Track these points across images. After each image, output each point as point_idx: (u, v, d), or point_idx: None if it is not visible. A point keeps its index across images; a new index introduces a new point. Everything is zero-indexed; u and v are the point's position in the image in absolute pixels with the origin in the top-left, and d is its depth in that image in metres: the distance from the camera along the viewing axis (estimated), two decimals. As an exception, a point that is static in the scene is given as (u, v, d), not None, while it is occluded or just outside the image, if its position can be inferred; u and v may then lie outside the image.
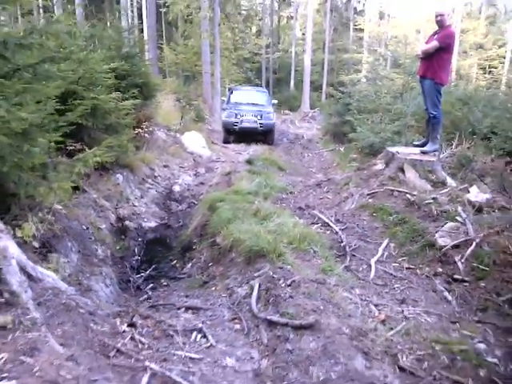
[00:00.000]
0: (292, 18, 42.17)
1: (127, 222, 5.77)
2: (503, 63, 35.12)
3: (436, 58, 5.60)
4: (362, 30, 39.65)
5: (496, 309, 3.30)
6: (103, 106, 5.73)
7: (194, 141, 10.39)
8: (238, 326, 2.95)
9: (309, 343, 2.54)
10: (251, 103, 14.11)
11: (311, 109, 29.43)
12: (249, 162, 8.09)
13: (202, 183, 7.54)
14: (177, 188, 7.20)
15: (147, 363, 2.38)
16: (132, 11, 26.20)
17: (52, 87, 3.09)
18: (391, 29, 37.47)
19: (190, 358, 2.53)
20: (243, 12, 36.52)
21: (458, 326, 3.01)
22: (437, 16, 5.69)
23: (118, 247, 5.27)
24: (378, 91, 10.74)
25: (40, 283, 2.72)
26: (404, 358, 2.50)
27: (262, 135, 13.47)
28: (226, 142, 13.52)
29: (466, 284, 3.68)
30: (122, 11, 17.82)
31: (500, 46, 36.69)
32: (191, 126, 11.86)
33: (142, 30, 24.51)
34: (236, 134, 13.38)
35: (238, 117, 13.09)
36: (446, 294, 3.60)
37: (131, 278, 4.69)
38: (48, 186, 3.07)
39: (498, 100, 10.76)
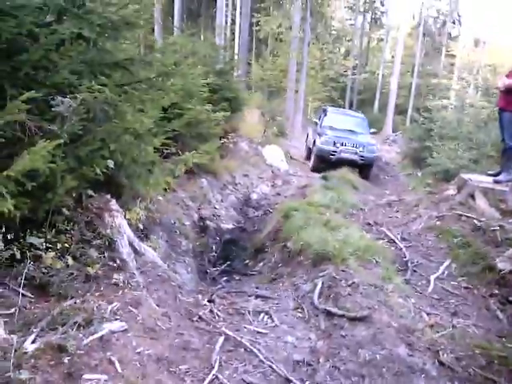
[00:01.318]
0: (382, 40, 42.10)
1: (208, 222, 6.39)
2: None
3: (516, 93, 5.75)
4: (454, 56, 38.76)
5: (545, 331, 3.49)
6: (197, 117, 6.43)
7: (274, 154, 10.99)
8: (299, 314, 3.39)
9: (360, 332, 2.94)
10: (349, 130, 12.49)
11: (393, 132, 29.25)
12: (324, 177, 8.51)
13: (278, 194, 8.07)
14: (254, 196, 7.78)
15: (223, 329, 2.89)
16: (226, 28, 27.52)
17: (166, 98, 3.74)
18: (486, 56, 36.29)
19: (258, 332, 3.02)
20: (333, 32, 37.08)
21: (503, 340, 3.24)
22: None
23: (198, 243, 5.87)
24: (461, 119, 10.76)
25: (142, 256, 3.34)
26: (444, 355, 2.81)
27: (360, 168, 11.77)
28: (314, 170, 11.73)
29: (519, 306, 3.88)
30: (218, 30, 18.99)
31: None
32: (272, 140, 12.47)
33: (233, 45, 25.87)
34: (330, 164, 11.31)
35: (337, 145, 11.61)
36: (498, 312, 3.81)
37: (208, 270, 5.28)
38: (155, 179, 3.70)
39: None
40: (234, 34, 28.06)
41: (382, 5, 40.17)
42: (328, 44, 28.71)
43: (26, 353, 1.98)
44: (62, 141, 2.57)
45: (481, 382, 2.59)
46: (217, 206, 6.81)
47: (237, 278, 5.06)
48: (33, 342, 2.10)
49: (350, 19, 40.93)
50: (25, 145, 2.69)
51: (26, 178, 2.51)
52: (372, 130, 13.76)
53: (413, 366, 2.61)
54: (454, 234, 5.28)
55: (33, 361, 1.96)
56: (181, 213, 5.80)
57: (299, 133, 21.50)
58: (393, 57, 41.26)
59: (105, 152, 3.15)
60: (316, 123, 13.59)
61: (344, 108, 25.95)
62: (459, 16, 41.98)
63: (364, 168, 11.81)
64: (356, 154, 11.58)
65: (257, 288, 4.11)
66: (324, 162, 11.66)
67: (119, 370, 2.12)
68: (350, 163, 11.37)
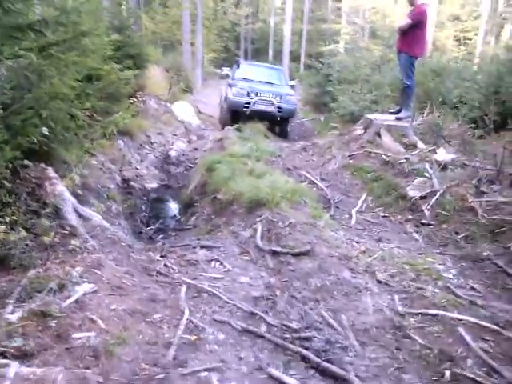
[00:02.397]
0: (271, -15, 42.02)
1: (132, 183, 6.37)
2: (477, 35, 35.97)
3: (410, 34, 6.26)
4: (340, 1, 39.84)
5: (454, 244, 4.07)
6: (108, 76, 6.22)
7: (184, 110, 10.93)
8: (247, 258, 3.63)
9: (307, 264, 3.25)
10: (265, 81, 11.13)
11: (290, 79, 29.93)
12: (238, 129, 8.68)
13: (195, 149, 8.15)
14: (173, 153, 7.80)
15: (183, 278, 3.06)
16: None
17: (89, 60, 3.64)
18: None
19: (214, 278, 3.21)
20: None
21: (423, 256, 3.74)
22: None
23: (126, 205, 5.86)
24: (358, 63, 11.37)
25: (89, 221, 3.35)
26: (380, 274, 3.23)
27: (278, 123, 10.68)
28: (224, 125, 10.47)
29: (431, 227, 4.45)
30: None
31: (475, 18, 37.46)
32: (180, 96, 12.33)
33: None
34: (244, 118, 10.08)
35: (252, 96, 10.20)
36: (414, 234, 4.35)
37: (143, 230, 5.32)
38: (88, 143, 3.66)
39: (468, 72, 11.49)
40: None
41: None
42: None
43: (11, 323, 2.02)
44: (1, 112, 2.50)
45: (414, 292, 3.02)
46: (138, 167, 6.77)
47: (173, 234, 5.16)
48: (11, 312, 2.13)
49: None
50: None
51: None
52: (291, 83, 12.44)
53: (358, 286, 2.98)
54: (366, 170, 5.79)
55: (20, 329, 2.01)
56: (104, 176, 5.72)
57: (200, 86, 21.34)
58: (282, 3, 41.59)
59: (36, 120, 3.07)
60: (227, 76, 12.48)
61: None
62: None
63: (282, 122, 10.71)
64: (273, 105, 10.22)
65: (198, 240, 4.27)
66: (237, 117, 10.33)
67: (102, 326, 2.23)
68: (267, 116, 10.19)
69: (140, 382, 1.98)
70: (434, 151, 5.90)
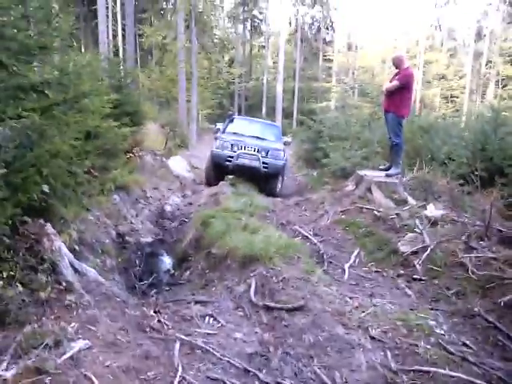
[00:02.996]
0: (264, 47, 43.70)
1: (127, 238, 6.40)
2: (463, 93, 37.33)
3: (397, 95, 6.56)
4: (330, 61, 41.41)
5: (446, 300, 4.10)
6: (105, 134, 6.41)
7: (179, 165, 11.13)
8: (241, 313, 3.65)
9: (300, 319, 3.28)
10: (256, 136, 10.50)
11: (283, 135, 30.52)
12: (232, 184, 8.83)
13: (190, 203, 8.25)
14: (168, 208, 7.89)
15: (177, 335, 3.07)
16: (108, 38, 26.81)
17: (89, 119, 3.80)
18: (359, 59, 39.23)
19: (208, 334, 3.23)
20: (216, 41, 37.82)
21: (415, 312, 3.77)
22: (394, 60, 6.72)
23: (120, 259, 5.87)
24: (348, 120, 11.74)
25: (85, 276, 3.39)
26: (373, 331, 3.25)
27: (264, 180, 9.80)
28: (209, 183, 10.03)
29: (422, 282, 4.49)
30: (101, 43, 18.46)
31: (461, 77, 38.99)
32: (175, 151, 12.57)
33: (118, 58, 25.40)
34: (227, 173, 9.74)
35: (235, 149, 9.60)
36: (406, 290, 4.39)
37: (136, 285, 5.32)
38: (86, 200, 3.75)
39: (456, 129, 11.87)
40: (115, 46, 27.53)
41: (260, 13, 41.65)
42: (214, 53, 29.22)
43: (5, 380, 2.03)
44: (4, 170, 2.60)
45: (407, 348, 3.04)
46: (133, 221, 6.83)
47: (166, 288, 5.16)
48: (6, 369, 2.14)
49: (232, 28, 41.96)
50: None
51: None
52: (286, 139, 11.87)
53: (351, 342, 3.00)
54: (358, 225, 5.89)
55: (15, 386, 2.02)
56: (100, 231, 5.76)
57: (195, 142, 21.74)
58: (274, 63, 43.18)
59: (37, 177, 3.17)
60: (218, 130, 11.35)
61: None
62: (332, 22, 45.08)
63: (269, 179, 9.84)
64: (258, 160, 9.52)
65: (193, 295, 4.30)
66: (220, 172, 9.85)
67: (96, 383, 2.23)
68: (252, 171, 9.55)
69: None
70: (424, 207, 6.02)
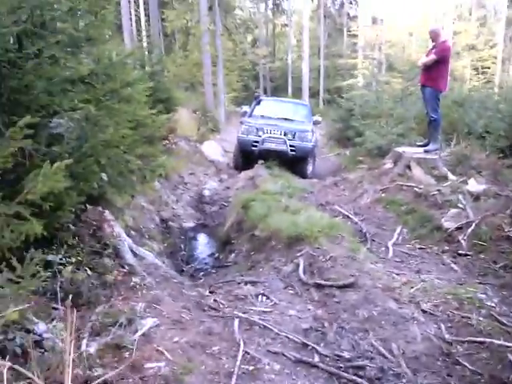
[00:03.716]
0: (286, 25, 43.19)
1: (170, 223, 6.60)
2: (495, 63, 36.21)
3: (434, 69, 6.48)
4: (355, 36, 40.62)
5: (493, 273, 4.12)
6: (144, 121, 6.56)
7: (213, 150, 11.26)
8: (291, 291, 3.76)
9: (352, 296, 3.37)
10: (283, 118, 10.17)
11: (312, 115, 30.31)
12: (267, 167, 8.91)
13: (227, 187, 8.39)
14: (206, 192, 8.05)
15: (234, 312, 3.21)
16: (131, 24, 26.86)
17: (137, 108, 3.95)
18: (385, 33, 38.38)
19: (263, 311, 3.35)
20: (239, 21, 37.55)
21: (464, 286, 3.81)
22: (430, 33, 6.62)
23: (165, 244, 6.07)
24: (380, 97, 11.62)
25: (144, 260, 3.55)
26: (424, 304, 3.32)
27: (294, 163, 9.54)
28: (237, 167, 10.07)
29: (468, 257, 4.51)
30: (126, 29, 18.61)
31: (491, 47, 37.79)
32: (207, 136, 12.71)
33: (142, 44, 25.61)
34: (255, 159, 9.41)
35: (260, 133, 9.38)
36: (452, 265, 4.42)
37: (184, 268, 5.50)
38: (139, 187, 3.91)
39: (490, 101, 11.62)
40: (139, 31, 27.71)
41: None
42: (238, 34, 29.11)
43: (90, 354, 2.20)
44: (71, 160, 2.74)
45: (459, 321, 3.10)
46: (174, 207, 7.02)
47: (213, 271, 5.32)
48: (87, 345, 2.31)
49: (254, 7, 41.59)
50: (28, 168, 2.83)
51: (42, 199, 2.66)
52: (316, 118, 11.25)
53: (404, 316, 3.08)
54: (399, 203, 5.91)
55: (98, 360, 2.18)
56: (145, 217, 5.96)
57: (224, 125, 21.84)
58: (298, 41, 42.68)
59: (95, 167, 3.32)
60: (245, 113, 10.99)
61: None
62: (355, -4, 44.09)
63: (298, 162, 9.60)
64: (285, 143, 9.31)
65: (241, 276, 4.42)
66: (247, 157, 9.71)
67: (169, 357, 2.39)
68: (279, 155, 9.34)
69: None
70: (465, 182, 5.99)
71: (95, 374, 2.05)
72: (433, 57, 6.45)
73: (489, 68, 37.40)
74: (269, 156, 9.33)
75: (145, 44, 24.57)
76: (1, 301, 2.06)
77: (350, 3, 44.45)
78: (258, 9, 40.11)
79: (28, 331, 2.17)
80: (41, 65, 3.24)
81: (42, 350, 2.16)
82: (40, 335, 2.25)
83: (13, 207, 2.57)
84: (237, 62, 29.03)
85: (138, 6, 29.54)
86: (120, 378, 2.13)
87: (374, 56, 36.02)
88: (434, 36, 6.59)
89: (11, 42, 3.32)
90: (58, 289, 2.59)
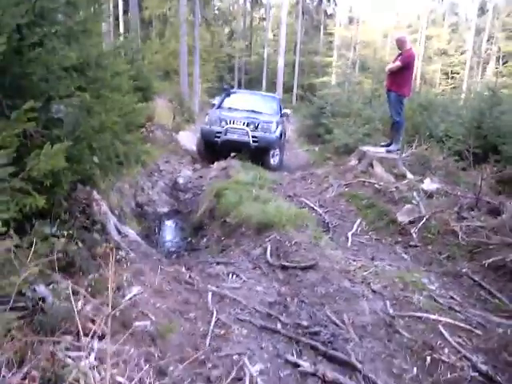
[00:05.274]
0: (264, 19, 43.46)
1: (145, 208, 6.93)
2: (464, 69, 37.45)
3: (399, 75, 6.99)
4: (332, 34, 41.23)
5: (438, 263, 4.66)
6: (129, 109, 6.85)
7: (188, 139, 11.57)
8: (259, 271, 4.19)
9: (312, 276, 3.83)
10: (250, 110, 10.31)
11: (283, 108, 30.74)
12: (240, 158, 9.28)
13: (201, 176, 8.73)
14: (180, 180, 8.38)
15: (208, 287, 3.62)
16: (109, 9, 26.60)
17: (127, 97, 4.30)
18: (360, 34, 39.11)
19: (233, 287, 3.77)
20: (216, 12, 37.63)
21: (411, 272, 4.31)
22: (397, 41, 7.13)
23: (140, 227, 6.40)
24: (350, 97, 12.16)
25: (126, 237, 3.91)
26: (374, 285, 3.80)
27: (258, 154, 9.46)
28: (201, 157, 10.22)
29: (418, 248, 5.04)
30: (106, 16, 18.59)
31: (462, 53, 39.02)
32: (182, 126, 12.98)
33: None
34: (218, 149, 9.60)
35: (223, 124, 9.52)
36: (403, 255, 4.94)
37: (158, 251, 5.85)
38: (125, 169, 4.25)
39: (453, 107, 12.31)
40: (116, 17, 27.54)
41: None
42: (217, 26, 29.30)
43: (88, 312, 2.57)
44: (70, 143, 3.08)
45: (402, 299, 3.59)
46: (150, 192, 7.34)
47: (185, 253, 5.70)
48: (84, 304, 2.67)
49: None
50: (30, 148, 3.15)
51: (43, 177, 3.00)
52: (284, 111, 11.49)
53: (356, 293, 3.56)
54: (360, 198, 6.41)
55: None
56: (123, 201, 6.27)
57: (198, 115, 22.08)
58: (275, 35, 43.04)
59: (87, 150, 3.66)
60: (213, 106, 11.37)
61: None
62: (333, -6, 44.69)
63: (261, 153, 9.56)
64: (247, 134, 9.38)
65: (213, 257, 4.83)
66: (210, 147, 9.78)
67: (153, 319, 2.78)
68: (241, 146, 9.35)
69: (187, 360, 2.52)
70: (421, 181, 6.54)
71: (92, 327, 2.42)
72: (398, 63, 6.95)
73: (458, 73, 38.66)
74: (231, 146, 9.43)
75: (122, 29, 24.59)
76: (12, 265, 2.41)
77: (328, 1, 45.02)
78: (237, 1, 40.25)
79: (34, 290, 2.52)
80: (41, 54, 3.54)
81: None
82: (41, 296, 2.60)
83: (17, 182, 2.90)
84: (213, 53, 29.20)
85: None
86: (113, 332, 2.50)
87: (348, 55, 36.69)
88: (400, 44, 7.09)
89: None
90: (55, 258, 2.93)
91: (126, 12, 25.87)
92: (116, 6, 28.38)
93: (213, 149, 9.75)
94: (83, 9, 4.01)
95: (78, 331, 2.34)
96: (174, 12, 24.73)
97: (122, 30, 26.55)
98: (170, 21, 26.45)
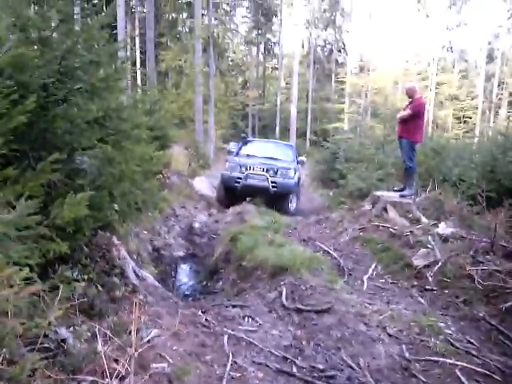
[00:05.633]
0: (277, 68, 44.65)
1: (162, 252, 7.02)
2: (476, 113, 37.82)
3: (410, 123, 7.16)
4: (343, 82, 42.09)
5: (454, 307, 4.62)
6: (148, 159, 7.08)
7: (203, 185, 11.79)
8: (274, 315, 4.21)
9: (327, 320, 3.84)
10: (268, 157, 10.67)
11: (298, 155, 31.14)
12: (254, 204, 9.42)
13: (216, 221, 8.86)
14: (196, 225, 8.50)
15: (224, 329, 3.65)
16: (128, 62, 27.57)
17: (146, 148, 4.48)
18: (371, 81, 39.87)
19: (249, 330, 3.80)
20: (230, 63, 38.85)
21: (427, 316, 4.30)
22: (408, 90, 7.33)
23: (156, 271, 6.48)
24: (363, 143, 12.35)
25: (144, 281, 3.99)
26: (390, 329, 3.79)
27: (275, 199, 9.76)
28: (221, 202, 10.50)
29: (434, 292, 5.01)
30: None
31: (473, 98, 39.49)
32: (198, 172, 13.24)
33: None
34: (237, 195, 9.86)
35: (243, 170, 9.84)
36: (419, 298, 4.91)
37: (174, 294, 5.91)
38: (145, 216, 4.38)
39: (466, 151, 12.42)
40: (133, 69, 28.58)
41: (274, 36, 42.59)
42: (231, 76, 30.22)
43: (105, 352, 2.62)
44: (93, 192, 3.22)
45: (419, 343, 3.58)
46: (166, 237, 7.45)
47: (201, 297, 5.73)
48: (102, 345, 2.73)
49: (246, 51, 43.05)
50: (54, 197, 3.30)
51: (66, 224, 3.12)
52: (300, 159, 11.85)
53: (372, 337, 3.56)
54: (375, 242, 6.44)
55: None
56: (140, 245, 6.38)
57: (212, 161, 22.47)
58: (287, 84, 44.11)
59: (108, 198, 3.80)
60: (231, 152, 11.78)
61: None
62: (344, 44, 45.94)
63: (280, 198, 9.92)
64: (266, 179, 9.70)
65: (229, 300, 4.87)
66: (230, 192, 10.07)
67: (170, 361, 2.82)
68: (261, 191, 9.64)
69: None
70: (436, 225, 6.56)
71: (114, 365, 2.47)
72: (408, 111, 7.14)
73: (470, 118, 39.00)
74: (251, 192, 9.66)
75: (139, 80, 25.47)
76: (37, 308, 2.50)
77: (339, 51, 46.27)
78: (250, 52, 41.57)
79: (56, 333, 2.59)
80: (65, 109, 3.76)
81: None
82: (63, 338, 2.68)
83: (42, 229, 3.03)
84: (227, 101, 29.98)
85: (134, 44, 30.62)
86: (133, 373, 2.55)
87: (359, 102, 37.34)
88: (411, 93, 7.30)
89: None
90: (76, 301, 3.02)
91: (143, 63, 26.82)
92: (134, 63, 29.50)
93: (232, 194, 10.01)
94: (105, 66, 4.27)
95: (101, 371, 2.41)
96: (190, 64, 25.58)
97: (139, 81, 27.48)
98: (186, 72, 27.30)
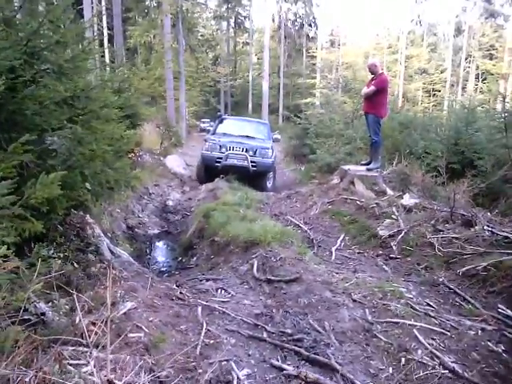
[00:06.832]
0: (248, 44, 44.30)
1: (136, 230, 7.13)
2: (445, 87, 38.43)
3: (375, 98, 7.36)
4: (314, 57, 42.08)
5: (416, 273, 4.90)
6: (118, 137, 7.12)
7: (176, 163, 11.84)
8: (246, 286, 4.41)
9: (296, 288, 4.05)
10: (245, 136, 11.02)
11: (272, 132, 31.22)
12: (227, 180, 9.57)
13: (189, 198, 8.99)
14: (170, 203, 8.62)
15: (198, 301, 3.82)
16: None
17: (117, 127, 4.54)
18: (342, 55, 39.98)
19: (222, 301, 3.98)
20: (200, 38, 38.31)
21: (390, 282, 4.56)
22: (370, 66, 7.51)
23: (131, 249, 6.60)
24: (332, 118, 12.55)
25: (119, 258, 4.12)
26: (355, 295, 4.03)
27: (254, 178, 10.26)
28: (200, 181, 10.66)
29: (397, 260, 5.29)
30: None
31: (442, 72, 40.02)
32: (170, 150, 13.25)
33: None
34: (217, 174, 10.09)
35: (223, 150, 10.21)
36: (384, 266, 5.18)
37: (149, 270, 6.06)
38: (116, 195, 4.48)
39: (432, 125, 12.73)
40: (101, 45, 27.99)
41: (244, 10, 42.07)
42: (201, 52, 29.90)
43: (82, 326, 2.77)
44: (65, 172, 3.31)
45: (381, 307, 3.83)
46: (140, 215, 7.55)
47: (176, 272, 5.90)
48: (80, 320, 2.87)
49: (216, 25, 42.45)
50: (27, 178, 3.38)
51: (40, 204, 3.22)
52: (275, 136, 12.48)
53: (337, 302, 3.79)
54: (343, 214, 6.68)
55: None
56: (114, 224, 6.48)
57: (185, 139, 22.40)
58: (259, 59, 43.90)
59: (80, 178, 3.89)
60: (208, 131, 12.19)
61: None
62: (314, 18, 45.77)
63: (259, 177, 10.42)
64: (246, 159, 10.14)
65: (203, 274, 5.04)
66: (209, 172, 10.40)
67: (146, 330, 2.98)
68: (241, 171, 10.05)
69: (179, 366, 2.73)
70: (400, 197, 6.84)
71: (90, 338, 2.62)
72: (372, 88, 7.33)
73: (439, 91, 39.58)
74: (231, 171, 10.02)
75: (107, 58, 24.97)
76: (20, 282, 2.62)
77: (310, 25, 46.06)
78: (220, 27, 41.04)
79: (35, 307, 2.72)
80: (34, 90, 3.80)
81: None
82: (42, 312, 2.81)
83: (17, 210, 3.12)
84: (198, 78, 29.73)
85: (100, 20, 29.86)
86: (110, 342, 2.71)
87: (330, 77, 37.45)
88: (373, 69, 7.49)
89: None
90: (53, 278, 3.14)
91: (110, 40, 26.28)
92: (101, 41, 28.82)
93: (212, 173, 10.30)
94: (72, 47, 4.30)
95: (80, 341, 2.56)
96: (159, 40, 25.20)
97: (108, 58, 26.90)
98: (155, 48, 26.89)
